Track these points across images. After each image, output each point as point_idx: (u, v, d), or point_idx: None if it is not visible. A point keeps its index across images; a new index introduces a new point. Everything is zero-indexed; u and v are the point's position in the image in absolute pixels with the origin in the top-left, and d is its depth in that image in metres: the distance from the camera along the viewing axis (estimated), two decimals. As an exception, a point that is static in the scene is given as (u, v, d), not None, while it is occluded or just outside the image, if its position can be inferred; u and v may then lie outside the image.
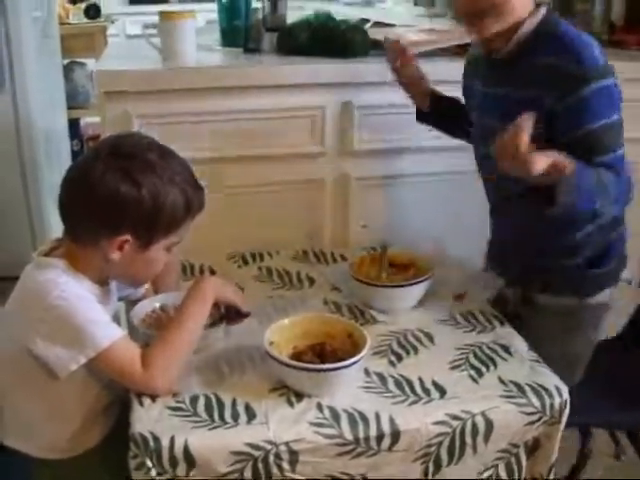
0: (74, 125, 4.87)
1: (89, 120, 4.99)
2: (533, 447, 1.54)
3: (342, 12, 4.98)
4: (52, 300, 1.43)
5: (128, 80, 2.02)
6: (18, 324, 1.49)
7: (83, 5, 4.87)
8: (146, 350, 1.46)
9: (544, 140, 1.57)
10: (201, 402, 1.45)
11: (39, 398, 1.52)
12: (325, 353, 1.54)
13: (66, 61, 4.72)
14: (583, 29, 2.46)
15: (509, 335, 1.73)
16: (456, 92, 2.23)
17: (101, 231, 1.48)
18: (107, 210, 1.47)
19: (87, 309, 1.45)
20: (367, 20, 4.18)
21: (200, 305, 1.55)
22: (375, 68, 2.18)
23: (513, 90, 1.76)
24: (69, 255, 1.52)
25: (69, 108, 4.60)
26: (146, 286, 1.76)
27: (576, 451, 2.07)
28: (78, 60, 4.90)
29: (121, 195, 1.45)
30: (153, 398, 1.47)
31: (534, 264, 1.89)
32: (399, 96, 2.18)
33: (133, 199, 1.45)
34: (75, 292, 1.46)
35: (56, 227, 3.71)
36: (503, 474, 1.53)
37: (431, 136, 2.24)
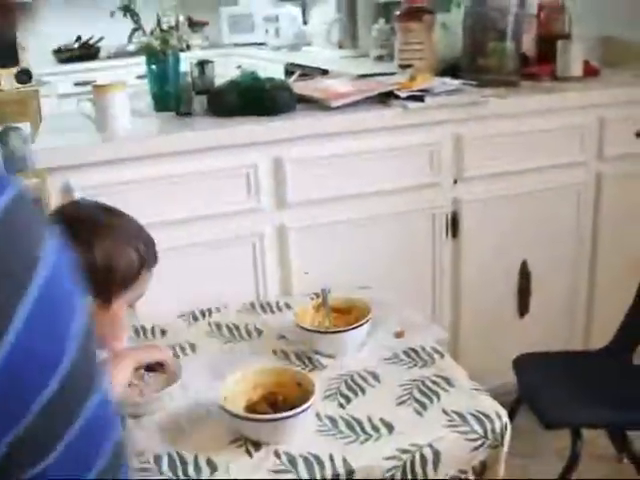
0: (13, 189, 4.89)
1: (28, 183, 5.03)
2: (481, 470, 1.63)
3: (270, 57, 5.13)
4: None
5: (66, 155, 2.09)
6: None
7: (14, 70, 4.92)
8: None
9: None
10: (165, 460, 1.52)
11: None
12: (277, 402, 1.61)
13: (0, 127, 4.77)
14: (497, 65, 2.66)
15: (450, 367, 1.83)
16: (381, 139, 2.36)
17: None
18: None
19: None
20: (294, 65, 4.32)
21: (118, 369, 1.58)
22: (302, 123, 2.30)
23: None
24: None
25: (7, 173, 4.63)
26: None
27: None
28: (13, 125, 4.94)
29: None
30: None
31: None
32: (327, 148, 2.30)
33: (86, 262, 1.50)
34: None
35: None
36: (455, 499, 1.62)
37: (359, 183, 2.37)
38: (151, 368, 1.74)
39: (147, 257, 1.61)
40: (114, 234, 1.55)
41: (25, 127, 4.98)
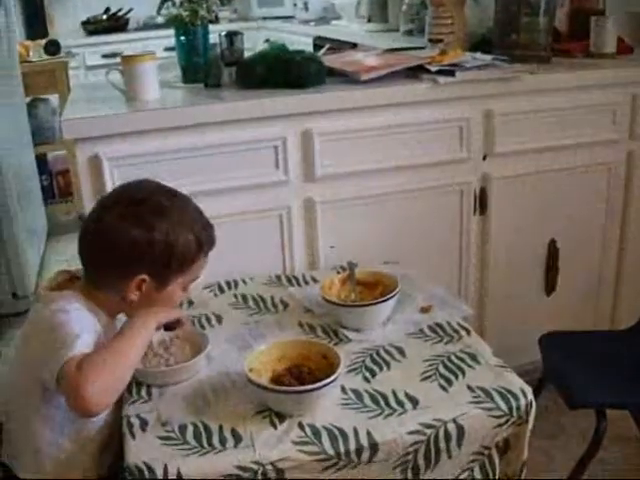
0: (42, 160, 4.93)
1: (57, 154, 5.06)
2: (504, 448, 1.63)
3: (299, 31, 5.10)
4: (59, 321, 1.50)
5: (95, 125, 2.08)
6: (31, 356, 1.55)
7: (42, 42, 4.92)
8: (84, 357, 1.44)
9: None
10: (190, 430, 1.53)
11: (54, 429, 1.58)
12: (303, 374, 1.62)
13: (29, 98, 4.77)
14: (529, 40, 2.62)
15: (475, 343, 1.83)
16: (410, 113, 2.35)
17: (119, 276, 1.58)
18: (123, 256, 1.56)
19: (81, 328, 1.50)
20: (323, 39, 4.29)
21: (139, 328, 1.56)
22: (332, 96, 2.28)
23: None
24: (84, 291, 1.60)
25: (36, 145, 4.66)
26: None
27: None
28: (41, 97, 4.95)
29: (134, 239, 1.54)
30: (143, 428, 1.54)
31: None
32: (356, 122, 2.29)
33: (146, 242, 1.54)
34: (80, 316, 1.53)
35: (33, 264, 3.79)
36: (478, 475, 1.61)
37: (388, 157, 2.36)
38: (168, 327, 1.74)
39: (205, 241, 1.63)
40: (175, 217, 1.58)
41: (53, 98, 4.99)
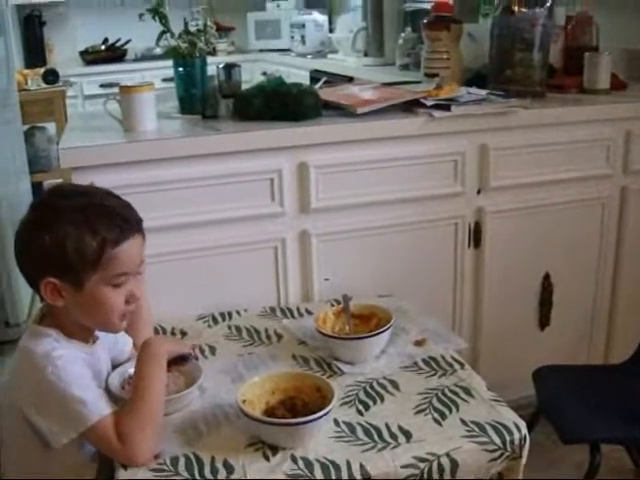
0: (37, 189, 4.93)
1: (53, 182, 5.07)
2: (497, 481, 1.64)
3: (295, 64, 5.15)
4: (46, 375, 1.49)
5: (92, 155, 2.09)
6: (16, 390, 1.56)
7: (41, 70, 4.95)
8: (119, 426, 1.50)
9: None
10: (181, 462, 1.52)
11: (47, 459, 1.57)
12: (296, 407, 1.61)
13: (26, 127, 4.79)
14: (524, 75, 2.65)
15: (469, 377, 1.83)
16: (406, 147, 2.36)
17: (30, 282, 1.59)
18: (22, 261, 1.59)
19: (79, 386, 1.50)
20: (319, 72, 4.33)
21: (157, 367, 1.60)
22: (328, 129, 2.30)
23: None
24: (57, 320, 1.60)
25: (32, 173, 4.67)
26: (130, 348, 1.82)
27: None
28: (38, 125, 4.97)
29: (29, 244, 1.55)
30: (135, 461, 1.54)
31: None
32: (351, 155, 2.30)
33: (38, 245, 1.53)
34: (67, 367, 1.52)
35: (25, 293, 3.78)
36: (471, 509, 1.61)
37: (383, 191, 2.37)
38: (172, 362, 1.74)
39: (106, 237, 1.55)
40: (68, 217, 1.54)
41: (50, 127, 5.01)
